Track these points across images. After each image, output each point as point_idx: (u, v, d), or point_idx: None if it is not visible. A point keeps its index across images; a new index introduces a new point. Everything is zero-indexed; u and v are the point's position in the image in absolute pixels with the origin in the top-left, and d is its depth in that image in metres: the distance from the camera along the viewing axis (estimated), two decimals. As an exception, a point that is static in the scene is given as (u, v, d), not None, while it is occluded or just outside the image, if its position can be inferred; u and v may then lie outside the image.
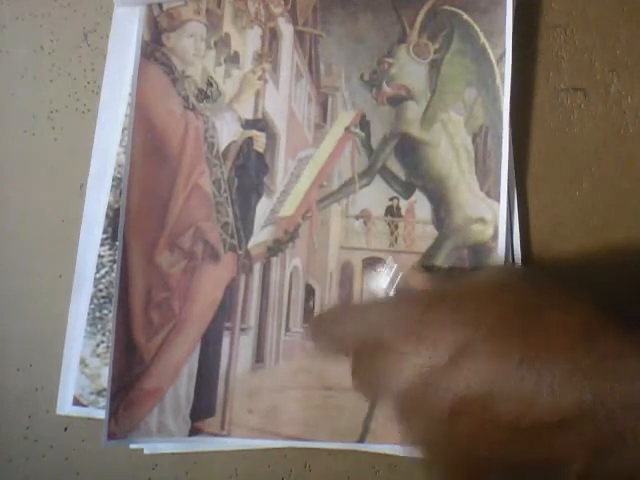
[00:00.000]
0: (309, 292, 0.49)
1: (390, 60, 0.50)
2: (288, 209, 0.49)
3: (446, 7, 0.50)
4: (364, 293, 0.49)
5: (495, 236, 0.48)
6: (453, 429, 0.34)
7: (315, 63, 0.50)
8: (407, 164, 0.50)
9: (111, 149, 0.49)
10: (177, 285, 0.47)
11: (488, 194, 0.49)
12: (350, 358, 0.40)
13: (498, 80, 0.49)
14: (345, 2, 0.50)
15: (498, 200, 0.48)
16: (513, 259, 0.48)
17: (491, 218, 0.48)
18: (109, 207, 0.48)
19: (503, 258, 0.48)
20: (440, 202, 0.49)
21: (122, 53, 0.49)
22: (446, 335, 0.34)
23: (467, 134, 0.50)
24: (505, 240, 0.48)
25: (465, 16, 0.50)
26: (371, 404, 0.42)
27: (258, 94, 0.50)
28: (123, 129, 0.48)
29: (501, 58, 0.49)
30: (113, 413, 0.46)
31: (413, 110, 0.50)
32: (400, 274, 0.41)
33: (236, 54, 0.50)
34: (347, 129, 0.50)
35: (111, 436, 0.46)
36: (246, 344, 0.48)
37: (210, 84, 0.49)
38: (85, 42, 0.51)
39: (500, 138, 0.49)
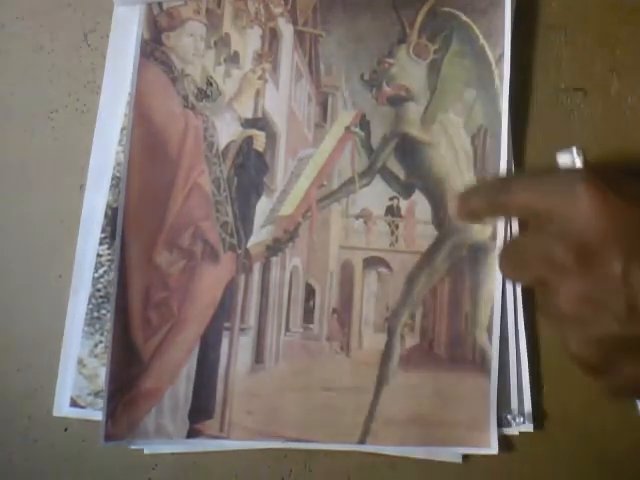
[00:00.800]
0: (309, 292, 0.48)
1: (390, 60, 0.50)
2: (288, 208, 0.49)
3: (445, 8, 0.51)
4: (364, 293, 0.49)
5: (494, 235, 0.48)
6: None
7: (315, 63, 0.50)
8: (407, 164, 0.50)
9: (110, 148, 0.49)
10: (176, 285, 0.47)
11: None
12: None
13: (497, 81, 0.49)
14: (345, 2, 0.50)
15: None
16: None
17: (490, 218, 0.48)
18: (108, 206, 0.48)
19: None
20: (440, 202, 0.49)
21: (122, 53, 0.49)
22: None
23: (466, 135, 0.50)
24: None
25: (464, 17, 0.50)
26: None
27: (258, 94, 0.50)
28: (122, 128, 0.48)
29: (500, 59, 0.49)
30: (111, 414, 0.45)
31: (413, 110, 0.50)
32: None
33: (236, 54, 0.50)
34: (347, 129, 0.50)
35: (108, 437, 0.45)
36: (245, 344, 0.48)
37: (210, 83, 0.49)
38: (85, 42, 0.51)
39: (499, 139, 0.49)
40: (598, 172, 0.33)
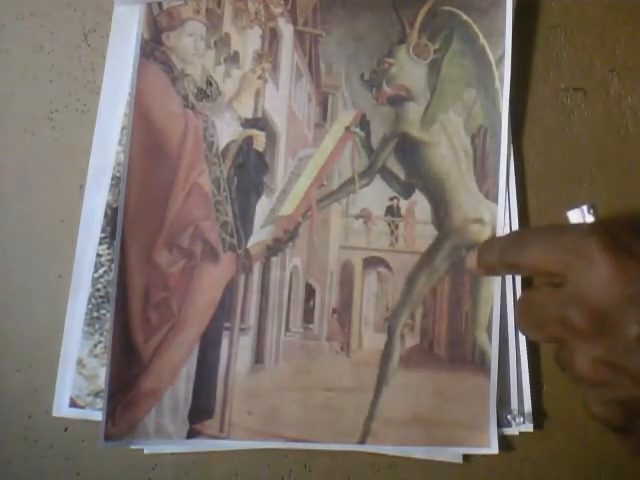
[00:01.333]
0: (309, 292, 0.48)
1: (390, 60, 0.50)
2: (288, 208, 0.49)
3: (446, 8, 0.50)
4: (364, 293, 0.49)
5: (494, 236, 0.48)
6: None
7: (315, 63, 0.50)
8: (407, 164, 0.50)
9: (110, 148, 0.49)
10: (176, 285, 0.47)
11: (487, 195, 0.49)
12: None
13: (497, 82, 0.49)
14: (345, 2, 0.50)
15: (496, 202, 0.48)
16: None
17: (489, 219, 0.48)
18: (108, 206, 0.48)
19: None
20: (440, 202, 0.49)
21: (122, 52, 0.49)
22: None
23: (466, 135, 0.50)
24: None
25: (465, 17, 0.50)
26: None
27: (258, 93, 0.50)
28: (122, 128, 0.48)
29: (500, 60, 0.49)
30: (110, 414, 0.45)
31: (413, 110, 0.50)
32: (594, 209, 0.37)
33: (236, 54, 0.50)
34: (347, 129, 0.50)
35: (108, 438, 0.45)
36: (245, 344, 0.48)
37: (210, 83, 0.49)
38: (85, 42, 0.51)
39: (499, 139, 0.49)
40: (608, 229, 0.33)
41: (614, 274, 0.31)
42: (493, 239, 0.46)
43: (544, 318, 0.34)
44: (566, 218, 0.38)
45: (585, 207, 0.37)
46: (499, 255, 0.38)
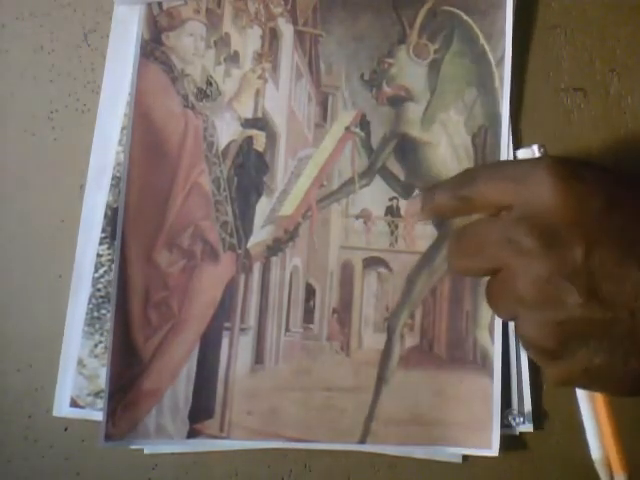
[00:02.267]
0: (309, 292, 0.48)
1: (390, 60, 0.50)
2: (288, 208, 0.49)
3: (446, 8, 0.50)
4: (365, 293, 0.49)
5: None
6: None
7: (315, 63, 0.50)
8: (407, 164, 0.50)
9: (110, 148, 0.49)
10: (176, 284, 0.47)
11: None
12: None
13: (497, 82, 0.49)
14: (345, 2, 0.50)
15: None
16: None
17: None
18: (108, 206, 0.48)
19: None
20: (440, 201, 0.49)
21: (122, 52, 0.49)
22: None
23: (467, 134, 0.50)
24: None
25: (465, 17, 0.50)
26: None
27: (258, 93, 0.50)
28: (122, 128, 0.48)
29: (501, 60, 0.49)
30: (111, 414, 0.45)
31: (413, 110, 0.50)
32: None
33: (236, 53, 0.50)
34: (347, 129, 0.50)
35: (108, 438, 0.45)
36: (245, 344, 0.48)
37: (210, 83, 0.49)
38: (85, 42, 0.51)
39: (499, 138, 0.49)
40: (557, 159, 0.34)
41: (564, 194, 0.32)
42: (440, 182, 0.44)
43: (485, 245, 0.34)
44: (516, 157, 0.38)
45: (535, 146, 0.37)
46: (451, 191, 0.38)
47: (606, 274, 0.31)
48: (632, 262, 0.32)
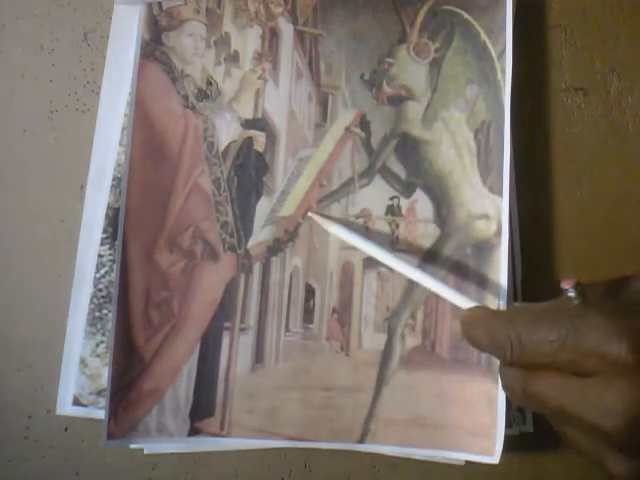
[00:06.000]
0: (309, 292, 0.48)
1: (390, 60, 0.50)
2: (288, 209, 0.49)
3: (446, 7, 0.50)
4: (365, 293, 0.49)
5: (498, 232, 0.48)
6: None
7: (315, 62, 0.50)
8: (408, 163, 0.49)
9: (111, 148, 0.49)
10: (176, 285, 0.47)
11: (491, 189, 0.48)
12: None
13: (499, 75, 0.49)
14: (345, 2, 0.50)
15: (501, 195, 0.48)
16: (513, 257, 0.48)
17: (494, 213, 0.48)
18: (109, 207, 0.48)
19: (507, 255, 0.47)
20: (442, 200, 0.49)
21: (122, 52, 0.49)
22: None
23: (469, 130, 0.49)
24: (509, 236, 0.48)
25: (465, 15, 0.50)
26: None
27: (258, 93, 0.50)
28: (123, 128, 0.48)
29: (502, 54, 0.49)
30: (112, 413, 0.45)
31: (414, 110, 0.50)
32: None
33: (236, 53, 0.50)
34: (347, 129, 0.50)
35: (110, 436, 0.45)
36: (246, 344, 0.48)
37: (210, 83, 0.49)
38: (85, 42, 0.51)
39: (502, 132, 0.48)
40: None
41: (618, 330, 0.32)
42: (480, 312, 0.41)
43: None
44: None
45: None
46: (488, 331, 0.38)
47: None
48: None
